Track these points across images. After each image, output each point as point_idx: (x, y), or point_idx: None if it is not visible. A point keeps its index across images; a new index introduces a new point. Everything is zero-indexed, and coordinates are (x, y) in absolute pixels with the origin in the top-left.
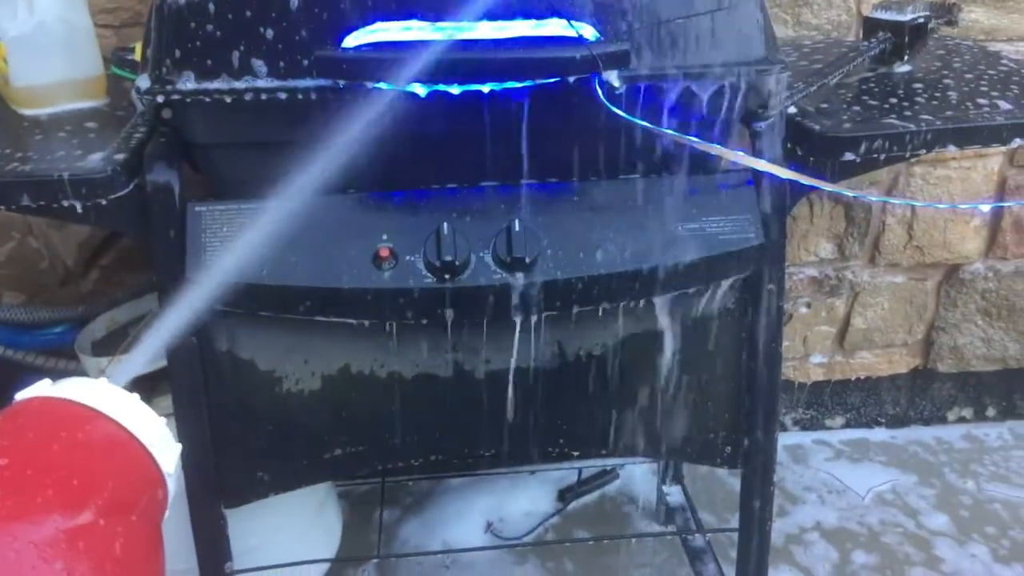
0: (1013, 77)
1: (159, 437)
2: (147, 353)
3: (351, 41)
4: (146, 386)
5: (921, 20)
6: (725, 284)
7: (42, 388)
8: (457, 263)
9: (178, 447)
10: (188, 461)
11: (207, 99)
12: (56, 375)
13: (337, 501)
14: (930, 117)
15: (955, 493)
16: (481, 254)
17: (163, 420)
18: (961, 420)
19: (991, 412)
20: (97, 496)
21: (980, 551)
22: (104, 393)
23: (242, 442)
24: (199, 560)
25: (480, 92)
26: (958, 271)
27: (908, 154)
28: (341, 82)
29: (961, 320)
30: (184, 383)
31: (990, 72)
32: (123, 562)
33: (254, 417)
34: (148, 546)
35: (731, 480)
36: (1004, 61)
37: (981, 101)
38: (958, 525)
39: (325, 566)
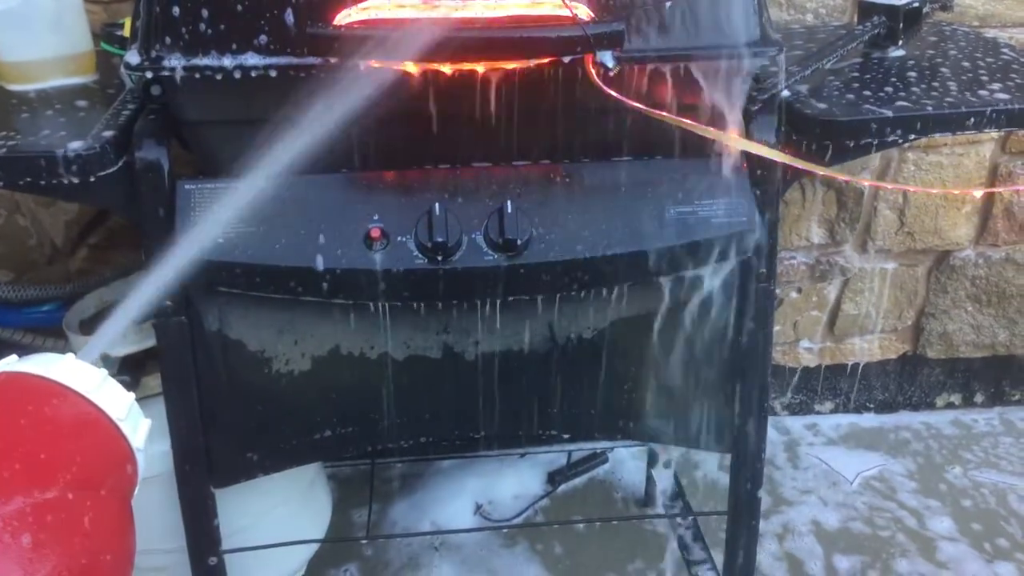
0: (1013, 65)
1: (128, 412)
2: (115, 330)
3: (343, 18)
4: (135, 365)
5: (916, 4)
6: (717, 267)
7: (9, 363)
8: (449, 244)
9: (147, 422)
10: (177, 441)
11: (197, 76)
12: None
13: (327, 482)
14: (923, 102)
15: (943, 479)
16: (473, 235)
17: (132, 395)
18: (950, 406)
19: (979, 398)
20: (65, 471)
21: (967, 537)
22: (71, 368)
23: (231, 422)
24: (188, 540)
25: (473, 71)
26: (949, 257)
27: (901, 139)
28: (333, 60)
29: (951, 306)
30: (173, 363)
31: (988, 59)
32: (92, 536)
33: (244, 397)
34: (118, 520)
35: (715, 466)
36: (1004, 51)
37: (981, 92)
38: (945, 511)
39: (314, 547)
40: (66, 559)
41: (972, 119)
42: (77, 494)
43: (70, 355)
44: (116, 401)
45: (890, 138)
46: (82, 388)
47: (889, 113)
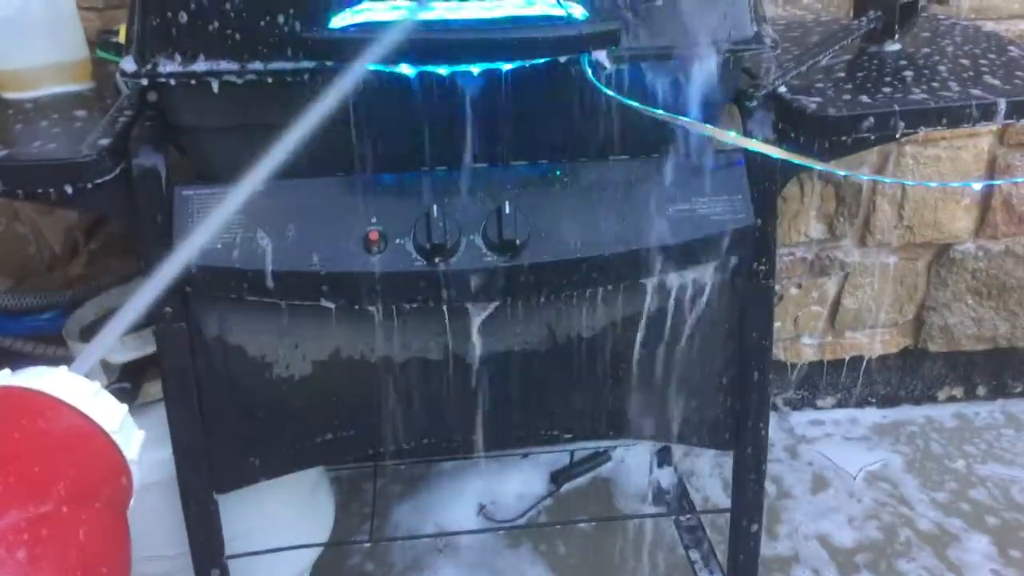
0: (1009, 50)
1: (121, 424)
2: (109, 341)
3: (338, 22)
4: (136, 372)
5: None
6: (716, 265)
7: (1, 377)
8: (447, 246)
9: (141, 434)
10: (178, 447)
11: (193, 82)
12: (44, 361)
13: (329, 485)
14: (920, 96)
15: (945, 472)
16: (471, 236)
17: (124, 407)
18: (951, 399)
19: (981, 391)
20: (59, 484)
21: (971, 530)
22: (64, 382)
23: (233, 427)
24: (191, 545)
25: (469, 73)
26: (948, 251)
27: (899, 134)
28: (329, 64)
29: (951, 300)
30: (174, 369)
31: (991, 55)
32: (87, 549)
33: (245, 402)
34: (113, 533)
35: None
36: (1012, 50)
37: (978, 87)
38: (948, 504)
39: (317, 550)
40: (62, 573)
41: (970, 111)
42: (72, 507)
43: (63, 368)
44: (109, 413)
45: (887, 132)
46: (75, 401)
47: (885, 108)
